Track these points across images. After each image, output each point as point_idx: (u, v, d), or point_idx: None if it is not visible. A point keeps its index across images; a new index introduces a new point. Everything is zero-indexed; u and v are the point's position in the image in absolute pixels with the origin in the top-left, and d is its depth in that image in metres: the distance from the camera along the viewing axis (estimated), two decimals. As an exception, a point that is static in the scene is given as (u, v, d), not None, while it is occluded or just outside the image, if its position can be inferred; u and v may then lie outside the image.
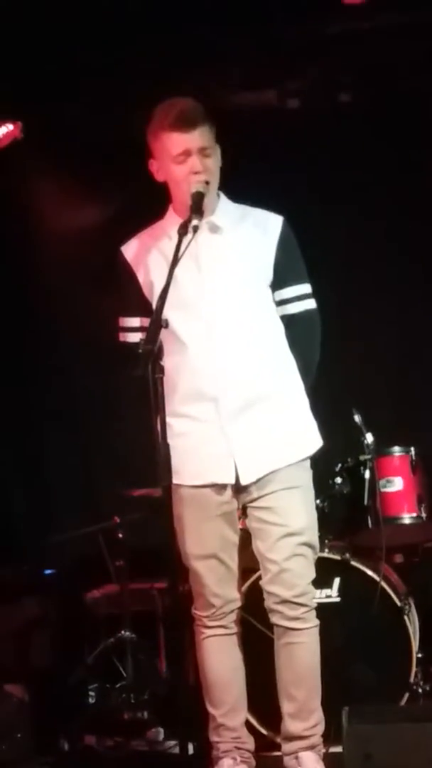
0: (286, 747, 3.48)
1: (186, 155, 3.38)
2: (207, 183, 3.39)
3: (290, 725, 3.46)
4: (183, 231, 3.30)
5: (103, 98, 4.85)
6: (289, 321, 3.53)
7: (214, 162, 3.43)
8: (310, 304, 3.57)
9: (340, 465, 4.16)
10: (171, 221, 3.48)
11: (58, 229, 5.05)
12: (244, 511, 3.51)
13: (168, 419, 3.35)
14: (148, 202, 3.55)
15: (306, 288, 3.56)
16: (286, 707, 3.47)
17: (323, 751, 3.46)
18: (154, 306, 3.41)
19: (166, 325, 3.19)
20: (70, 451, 5.05)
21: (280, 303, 3.53)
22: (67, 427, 5.05)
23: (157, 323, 3.18)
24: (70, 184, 5.01)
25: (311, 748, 3.44)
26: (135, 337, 3.54)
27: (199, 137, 3.38)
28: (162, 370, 3.17)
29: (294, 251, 3.53)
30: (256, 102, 4.87)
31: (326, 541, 4.08)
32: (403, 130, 4.76)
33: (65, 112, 4.93)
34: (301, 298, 3.55)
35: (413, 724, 2.85)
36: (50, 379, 5.05)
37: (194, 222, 3.33)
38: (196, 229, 3.34)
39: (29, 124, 4.93)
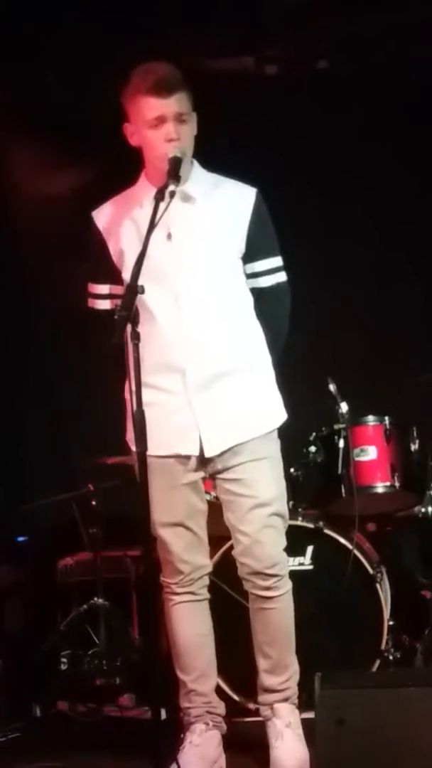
0: (262, 698, 3.56)
1: (161, 121, 3.35)
2: (179, 150, 3.34)
3: (266, 679, 3.54)
4: (159, 197, 3.27)
5: (77, 64, 4.79)
6: (259, 294, 3.53)
7: (190, 129, 3.40)
8: (281, 277, 3.56)
9: (314, 434, 4.16)
10: (143, 188, 3.46)
11: (30, 197, 5.00)
12: (213, 481, 3.52)
13: (134, 389, 3.37)
14: (120, 169, 3.53)
15: (277, 261, 3.55)
16: (262, 664, 3.54)
17: (297, 702, 3.53)
18: (123, 274, 3.42)
19: (143, 291, 3.17)
20: (43, 419, 5.03)
21: (251, 276, 3.52)
22: (40, 395, 5.03)
23: (132, 289, 3.15)
24: (41, 150, 4.95)
25: (286, 699, 3.52)
26: (104, 304, 3.53)
27: (175, 103, 3.35)
28: (138, 336, 3.16)
29: (267, 224, 3.51)
30: (233, 68, 4.84)
31: (300, 510, 4.11)
32: (381, 99, 4.75)
33: (37, 79, 4.88)
34: (273, 271, 3.54)
35: (385, 689, 2.87)
36: (23, 348, 5.01)
37: (171, 187, 3.30)
38: (173, 194, 3.32)
39: (5, 89, 4.88)
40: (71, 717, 4.08)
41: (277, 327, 3.57)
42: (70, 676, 4.16)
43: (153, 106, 3.34)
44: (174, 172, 3.32)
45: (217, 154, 3.48)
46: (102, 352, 3.52)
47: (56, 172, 5.01)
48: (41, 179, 5.01)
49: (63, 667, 4.19)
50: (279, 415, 3.54)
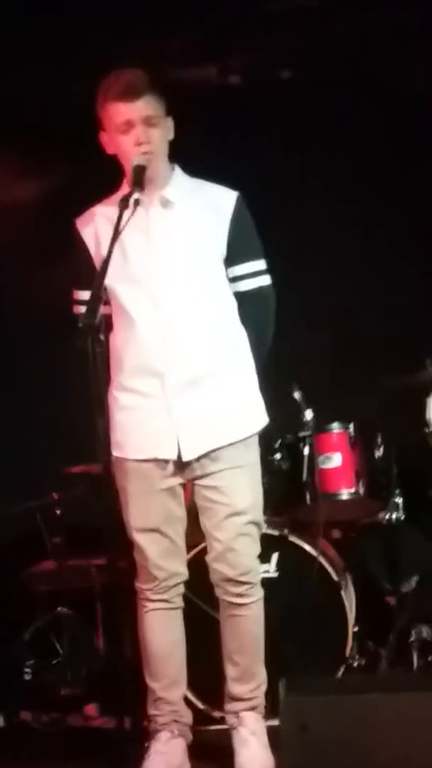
0: (229, 706, 3.56)
1: (130, 125, 3.36)
2: (150, 153, 3.36)
3: (233, 687, 3.55)
4: (123, 205, 3.29)
5: (47, 71, 4.78)
6: (242, 297, 3.53)
7: (161, 133, 3.40)
8: (265, 280, 3.57)
9: (279, 441, 4.16)
10: (124, 193, 3.44)
11: (8, 203, 4.98)
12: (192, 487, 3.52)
13: (115, 393, 3.43)
14: (104, 176, 3.53)
15: (260, 264, 3.56)
16: (230, 671, 3.54)
17: (265, 719, 3.53)
18: (107, 280, 3.39)
19: (107, 302, 3.18)
20: (6, 428, 4.99)
21: (234, 280, 3.53)
22: (3, 404, 5.00)
23: (96, 297, 3.17)
24: (24, 157, 4.94)
25: (253, 708, 3.53)
26: None
27: (143, 107, 3.35)
28: (102, 344, 3.17)
29: (248, 227, 3.52)
30: (197, 78, 4.85)
31: (265, 517, 4.09)
32: (346, 105, 4.75)
33: (14, 84, 4.86)
34: (255, 274, 3.55)
35: (349, 695, 2.88)
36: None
37: (135, 196, 3.32)
38: (137, 202, 3.33)
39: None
40: (35, 727, 4.06)
41: (260, 331, 3.58)
42: (34, 686, 4.14)
43: (121, 111, 3.36)
44: (137, 179, 3.34)
45: (199, 159, 3.49)
46: (78, 356, 3.52)
47: (31, 179, 4.99)
48: (21, 187, 4.99)
49: (27, 677, 4.17)
50: (259, 420, 3.55)
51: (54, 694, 4.10)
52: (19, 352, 4.95)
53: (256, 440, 3.54)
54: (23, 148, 4.92)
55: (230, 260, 3.50)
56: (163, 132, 3.42)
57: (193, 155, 3.50)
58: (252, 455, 3.53)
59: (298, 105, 4.77)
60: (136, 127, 3.36)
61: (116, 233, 3.24)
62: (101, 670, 4.14)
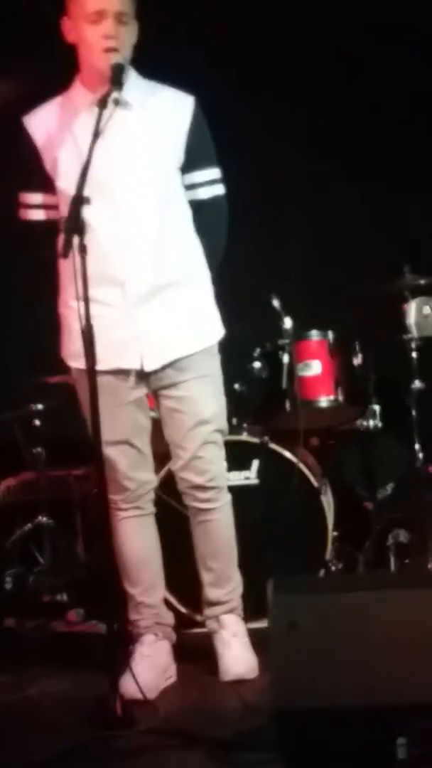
0: (208, 611, 3.61)
1: (101, 16, 3.27)
2: (116, 51, 3.28)
3: (210, 593, 3.59)
4: (102, 105, 3.21)
5: None
6: (198, 206, 3.49)
7: (129, 32, 3.33)
8: (220, 189, 3.52)
9: (258, 350, 4.16)
10: (78, 92, 3.38)
11: None
12: (155, 397, 3.51)
13: (72, 303, 3.32)
14: (52, 74, 3.44)
15: (216, 173, 3.51)
16: (205, 577, 3.59)
17: (244, 620, 3.59)
18: (58, 182, 3.34)
19: (89, 202, 3.12)
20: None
21: (190, 187, 3.47)
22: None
23: (79, 200, 3.11)
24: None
25: (231, 611, 3.58)
26: (37, 215, 3.46)
27: (118, 1, 3.27)
28: (85, 249, 3.12)
29: (205, 133, 3.46)
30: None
31: (244, 425, 4.14)
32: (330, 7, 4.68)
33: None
34: (211, 182, 3.50)
35: (338, 593, 2.91)
36: None
37: (114, 95, 3.25)
38: (117, 102, 3.28)
39: None
40: (19, 633, 4.09)
41: (214, 240, 3.54)
42: (17, 594, 4.17)
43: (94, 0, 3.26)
44: (116, 78, 3.26)
45: (154, 60, 3.39)
46: (35, 264, 3.48)
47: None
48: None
49: (8, 586, 4.20)
50: (218, 330, 3.54)
51: (37, 602, 4.14)
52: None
53: (216, 349, 3.53)
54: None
55: (188, 166, 3.43)
56: (132, 32, 3.34)
57: (149, 57, 3.39)
58: (214, 364, 3.53)
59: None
60: (107, 19, 3.27)
61: (96, 133, 3.14)
62: (83, 576, 4.18)
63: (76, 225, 3.12)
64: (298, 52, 4.71)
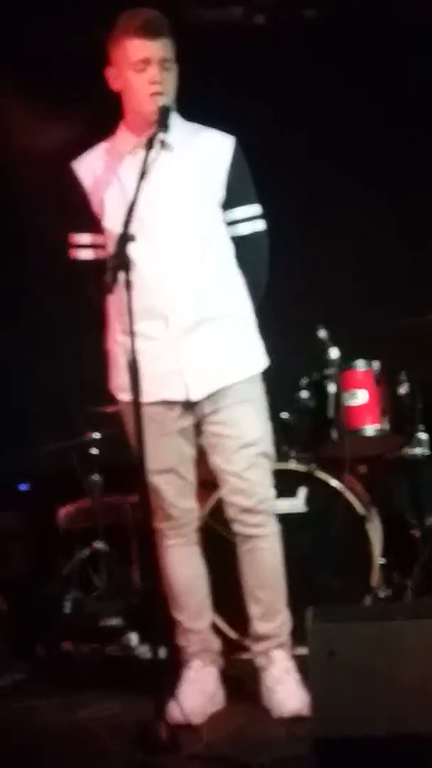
0: (256, 647, 3.61)
1: (146, 64, 3.38)
2: (163, 95, 3.38)
3: (258, 626, 3.60)
4: (149, 145, 3.32)
5: (56, 12, 4.77)
6: (238, 242, 3.57)
7: (173, 77, 3.43)
8: (260, 225, 3.61)
9: (305, 379, 4.23)
10: (123, 137, 3.50)
11: (15, 149, 5.02)
12: (198, 429, 3.58)
13: (119, 337, 3.46)
14: (100, 121, 3.57)
15: (256, 209, 3.59)
16: (253, 610, 3.60)
17: (291, 650, 3.60)
18: (104, 222, 3.46)
19: (134, 239, 3.22)
20: (42, 368, 5.08)
21: (231, 223, 3.56)
22: (38, 344, 5.07)
23: (124, 238, 3.21)
24: (19, 103, 4.96)
25: (280, 646, 3.58)
26: (86, 254, 3.58)
27: (162, 48, 3.39)
28: (131, 285, 3.22)
29: (245, 172, 3.55)
30: (221, 18, 4.85)
31: (292, 453, 4.19)
32: (369, 47, 4.75)
33: (13, 30, 4.86)
34: (252, 219, 3.58)
35: (375, 622, 2.93)
36: (19, 298, 5.06)
37: (160, 136, 3.36)
38: (163, 144, 3.38)
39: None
40: (75, 657, 4.18)
41: (255, 274, 3.61)
42: (73, 619, 4.25)
43: (139, 48, 3.38)
44: (163, 120, 3.37)
45: (195, 103, 3.50)
46: (84, 302, 3.59)
47: (34, 125, 5.00)
48: (21, 132, 5.01)
49: (66, 610, 4.29)
50: (261, 360, 3.61)
51: (92, 626, 4.21)
52: (51, 292, 5.01)
53: (260, 379, 3.59)
54: (21, 92, 4.93)
55: (228, 204, 3.53)
56: (174, 77, 3.44)
57: (190, 98, 3.50)
58: (257, 390, 3.58)
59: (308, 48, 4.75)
60: (152, 66, 3.38)
61: (144, 173, 3.26)
62: (137, 602, 4.26)
63: (122, 261, 3.22)
64: (339, 87, 4.79)
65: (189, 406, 3.53)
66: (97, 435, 4.42)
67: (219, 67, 4.67)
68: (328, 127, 4.80)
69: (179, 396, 3.51)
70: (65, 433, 4.58)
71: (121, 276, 3.21)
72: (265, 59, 4.78)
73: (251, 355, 3.60)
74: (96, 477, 4.42)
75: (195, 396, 3.50)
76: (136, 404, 3.25)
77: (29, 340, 5.07)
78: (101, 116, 3.57)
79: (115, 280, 3.19)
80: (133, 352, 3.23)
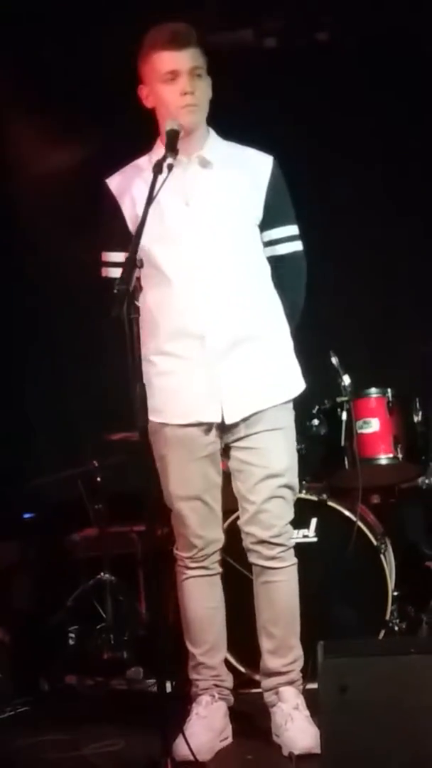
0: (266, 683, 3.53)
1: (175, 75, 3.33)
2: (195, 106, 3.33)
3: (269, 662, 3.51)
4: (157, 169, 3.25)
5: (78, 35, 4.78)
6: (276, 262, 3.52)
7: (206, 85, 3.37)
8: (298, 245, 3.56)
9: (317, 407, 4.17)
10: (158, 154, 3.42)
11: (37, 170, 5.00)
12: (225, 452, 3.51)
13: (152, 357, 3.39)
14: (134, 137, 3.52)
15: (294, 229, 3.54)
16: (265, 644, 3.51)
17: (302, 686, 3.51)
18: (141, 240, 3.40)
19: (141, 265, 3.16)
20: (47, 397, 5.05)
21: (269, 243, 3.51)
22: (43, 372, 5.04)
23: (132, 262, 3.14)
24: (45, 122, 4.95)
25: (290, 683, 3.50)
26: (118, 273, 3.49)
27: (190, 57, 3.33)
28: (137, 310, 3.14)
29: (284, 191, 3.50)
30: (232, 41, 4.83)
31: (304, 482, 4.12)
32: (381, 68, 4.73)
33: (41, 49, 4.85)
34: (290, 239, 3.53)
35: (387, 657, 2.87)
36: (26, 323, 5.03)
37: (169, 160, 3.28)
38: (171, 167, 3.31)
39: (4, 60, 4.85)
40: (79, 690, 4.11)
41: (293, 295, 3.57)
42: (78, 651, 4.21)
43: (166, 60, 3.32)
44: (171, 144, 3.30)
45: (229, 125, 3.47)
46: (108, 325, 3.52)
47: (61, 145, 4.99)
48: (49, 150, 5.00)
49: (71, 642, 4.24)
50: (298, 384, 3.54)
51: (97, 659, 4.17)
52: (58, 320, 4.99)
53: (291, 405, 3.53)
54: (51, 112, 4.92)
55: (266, 224, 3.48)
56: (208, 85, 3.38)
57: (227, 119, 3.47)
58: (289, 418, 3.52)
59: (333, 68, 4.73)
60: (182, 76, 3.32)
61: (150, 198, 3.19)
62: (143, 634, 4.20)
63: (128, 286, 3.12)
64: (374, 109, 4.77)
65: (222, 429, 3.45)
66: (101, 462, 4.36)
67: (230, 93, 4.63)
68: (342, 152, 4.78)
69: (214, 418, 3.42)
70: (72, 461, 4.52)
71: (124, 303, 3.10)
72: (275, 82, 4.76)
73: (288, 379, 3.53)
74: (100, 506, 4.35)
75: (230, 419, 3.42)
76: (143, 431, 3.15)
77: (34, 368, 5.03)
78: (132, 134, 3.53)
79: (121, 306, 3.09)
80: (140, 378, 3.12)
